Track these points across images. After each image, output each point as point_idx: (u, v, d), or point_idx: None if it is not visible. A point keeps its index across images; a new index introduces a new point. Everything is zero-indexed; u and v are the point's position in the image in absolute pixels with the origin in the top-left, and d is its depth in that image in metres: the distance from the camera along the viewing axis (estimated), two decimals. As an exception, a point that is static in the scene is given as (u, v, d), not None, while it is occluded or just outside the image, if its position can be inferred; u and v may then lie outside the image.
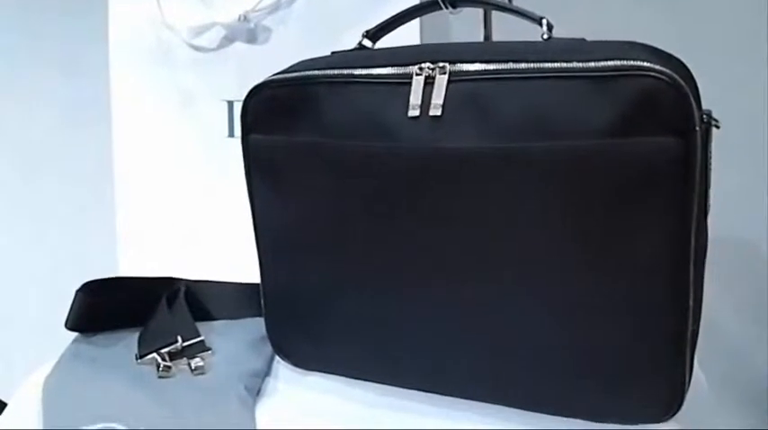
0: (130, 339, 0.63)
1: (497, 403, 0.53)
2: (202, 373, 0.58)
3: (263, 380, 0.60)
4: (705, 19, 0.81)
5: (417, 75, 0.49)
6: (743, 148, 0.79)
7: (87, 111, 1.02)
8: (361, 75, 0.52)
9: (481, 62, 0.48)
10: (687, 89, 0.43)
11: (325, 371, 0.59)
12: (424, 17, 0.64)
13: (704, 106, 0.47)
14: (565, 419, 0.51)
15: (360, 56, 0.56)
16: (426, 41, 0.72)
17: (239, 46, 0.78)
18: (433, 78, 0.49)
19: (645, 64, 0.43)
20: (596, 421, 0.50)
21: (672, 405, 0.48)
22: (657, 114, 0.43)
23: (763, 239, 0.85)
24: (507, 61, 0.47)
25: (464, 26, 0.70)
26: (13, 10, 1.08)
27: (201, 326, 0.64)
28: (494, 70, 0.47)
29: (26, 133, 1.12)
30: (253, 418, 0.54)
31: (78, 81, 1.05)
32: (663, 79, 0.43)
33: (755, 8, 0.79)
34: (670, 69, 0.43)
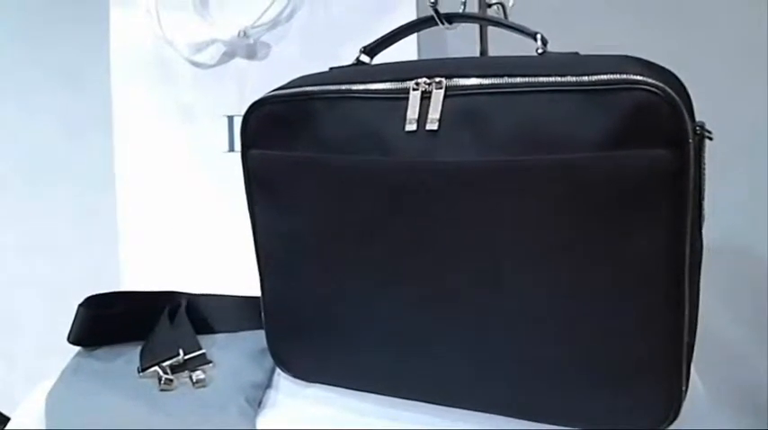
0: (132, 353, 0.63)
1: (496, 413, 0.53)
2: (204, 386, 0.58)
3: (263, 392, 0.60)
4: (698, 30, 0.82)
5: (414, 90, 0.50)
6: (740, 158, 0.80)
7: (88, 120, 1.03)
8: (358, 90, 0.52)
9: (477, 77, 0.48)
10: (680, 102, 0.43)
11: (325, 383, 0.59)
12: (421, 33, 0.64)
13: (699, 117, 0.48)
14: (562, 427, 0.51)
15: (358, 71, 0.56)
16: (423, 56, 0.72)
17: (239, 62, 0.78)
18: (430, 93, 0.49)
19: (638, 77, 0.44)
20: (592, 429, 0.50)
21: (668, 414, 0.48)
22: (651, 127, 0.43)
23: (761, 247, 0.85)
24: (503, 76, 0.47)
25: (460, 41, 0.71)
26: (14, 18, 1.08)
27: (203, 340, 0.64)
28: (489, 84, 0.48)
29: (27, 141, 1.11)
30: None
31: (79, 89, 1.05)
32: (656, 92, 0.43)
33: (748, 19, 0.80)
34: (663, 82, 0.43)
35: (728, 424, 0.83)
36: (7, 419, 0.59)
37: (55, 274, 1.13)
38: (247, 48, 0.78)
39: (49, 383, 0.59)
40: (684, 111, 0.43)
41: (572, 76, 0.45)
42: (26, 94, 1.10)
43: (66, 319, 0.64)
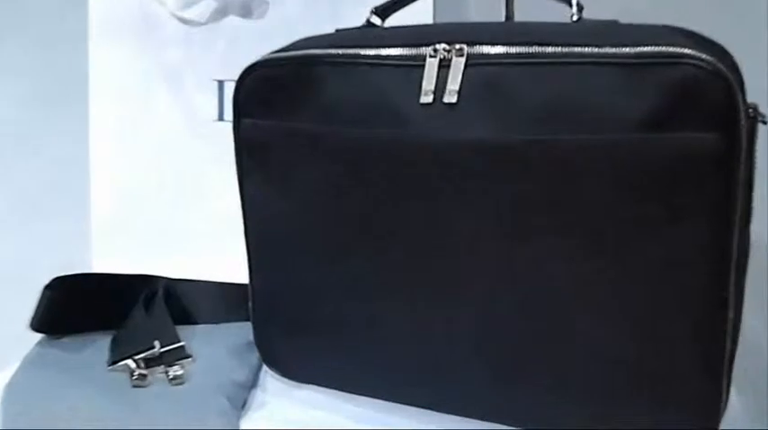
0: (102, 343, 0.61)
1: (500, 423, 0.51)
2: (181, 383, 0.56)
3: (248, 391, 0.58)
4: (752, 3, 0.78)
5: (431, 57, 0.47)
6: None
7: (64, 87, 0.99)
8: (368, 55, 0.50)
9: (503, 45, 0.46)
10: (732, 79, 0.41)
11: (318, 384, 0.58)
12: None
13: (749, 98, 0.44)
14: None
15: (367, 34, 0.54)
16: (440, 21, 0.70)
17: (232, 20, 0.76)
18: (449, 61, 0.47)
19: (685, 50, 0.41)
20: None
21: (707, 424, 0.46)
22: (698, 107, 0.41)
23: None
24: (532, 44, 0.45)
25: (483, 5, 0.68)
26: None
27: (182, 331, 0.62)
28: (517, 54, 0.45)
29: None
30: (236, 434, 0.53)
31: (54, 53, 1.02)
32: (705, 68, 0.41)
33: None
34: (713, 57, 0.41)
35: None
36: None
37: (19, 252, 1.10)
38: (242, 4, 0.75)
39: (6, 374, 0.57)
40: (737, 91, 0.41)
41: (611, 47, 0.43)
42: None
43: (28, 303, 0.61)
